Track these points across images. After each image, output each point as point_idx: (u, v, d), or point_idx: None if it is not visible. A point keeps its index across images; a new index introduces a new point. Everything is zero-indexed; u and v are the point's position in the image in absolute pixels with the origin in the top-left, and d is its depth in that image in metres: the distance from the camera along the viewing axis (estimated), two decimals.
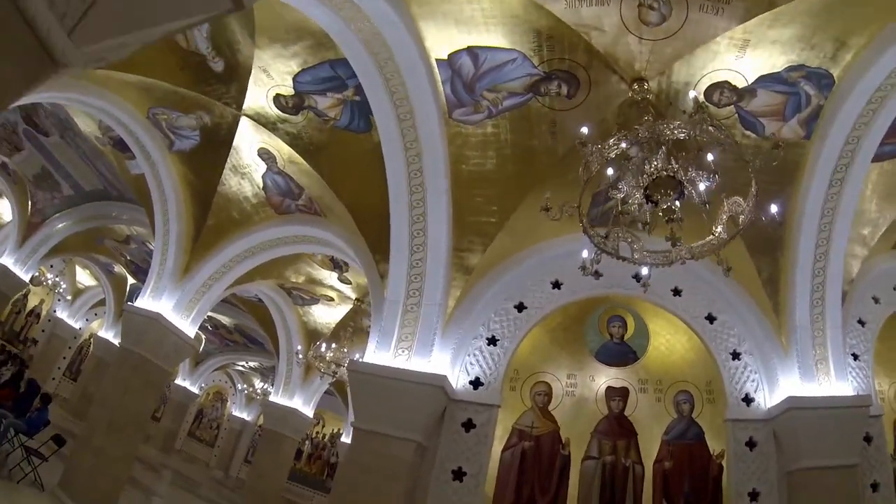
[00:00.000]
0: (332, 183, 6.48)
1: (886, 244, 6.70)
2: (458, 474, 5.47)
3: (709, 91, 4.95)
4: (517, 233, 5.97)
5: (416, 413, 5.49)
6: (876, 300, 6.70)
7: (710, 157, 3.55)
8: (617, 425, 5.80)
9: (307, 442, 19.90)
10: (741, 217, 3.63)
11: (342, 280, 9.89)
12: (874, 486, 5.67)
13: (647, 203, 3.66)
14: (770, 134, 5.17)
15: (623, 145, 3.79)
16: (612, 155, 3.70)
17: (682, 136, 3.75)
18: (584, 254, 3.96)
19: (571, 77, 4.99)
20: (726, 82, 4.89)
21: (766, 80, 4.88)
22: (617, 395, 5.90)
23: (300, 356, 11.25)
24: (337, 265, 9.37)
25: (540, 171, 5.56)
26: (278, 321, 11.69)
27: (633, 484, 5.52)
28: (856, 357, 6.31)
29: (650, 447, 5.68)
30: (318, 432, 20.41)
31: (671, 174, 3.55)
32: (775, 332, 5.80)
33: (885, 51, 4.55)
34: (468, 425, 5.69)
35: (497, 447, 5.69)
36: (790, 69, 4.80)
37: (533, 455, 5.62)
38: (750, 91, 4.95)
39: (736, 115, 5.08)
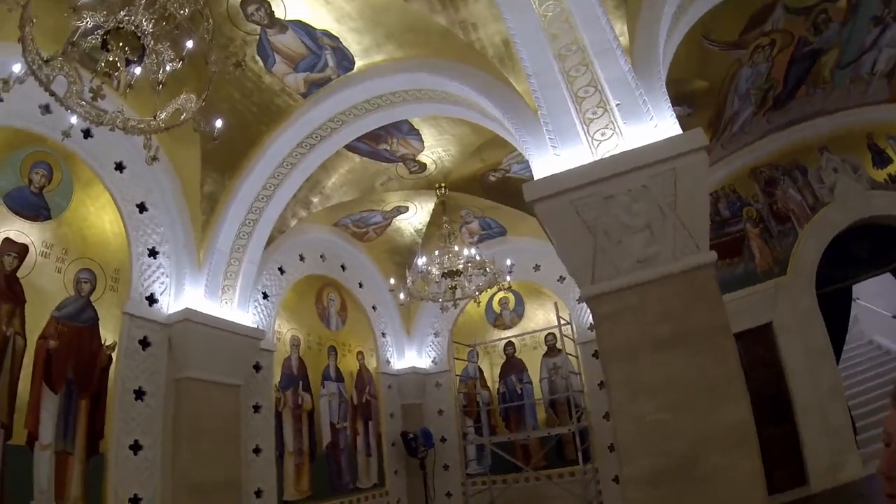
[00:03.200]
0: None
1: (330, 219, 8.99)
2: None
3: (249, 1, 5.58)
4: None
5: None
6: (302, 258, 9.01)
7: (189, 43, 4.07)
8: (6, 287, 5.41)
9: None
10: (183, 115, 4.27)
11: None
12: (256, 408, 7.59)
13: (102, 48, 3.90)
14: (276, 72, 6.24)
15: None
16: None
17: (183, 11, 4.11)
18: (17, 68, 3.85)
19: None
20: (268, 3, 5.62)
21: (301, 27, 5.89)
22: (14, 250, 5.48)
23: None
24: None
25: None
26: None
27: (13, 358, 5.28)
28: (266, 296, 8.18)
29: (38, 320, 5.56)
30: None
31: (139, 35, 3.92)
32: (196, 246, 6.92)
33: (408, 72, 6.13)
34: None
35: None
36: (326, 34, 5.97)
37: None
38: (283, 25, 5.87)
39: (258, 37, 5.91)
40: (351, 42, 6.06)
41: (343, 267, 9.95)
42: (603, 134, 4.35)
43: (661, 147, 4.03)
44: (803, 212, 9.34)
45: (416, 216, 9.60)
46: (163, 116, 4.41)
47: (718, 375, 3.80)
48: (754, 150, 9.38)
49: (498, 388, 10.45)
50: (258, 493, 7.30)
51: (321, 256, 9.50)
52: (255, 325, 7.62)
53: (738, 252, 9.40)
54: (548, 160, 4.55)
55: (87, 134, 6.16)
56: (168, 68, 4.20)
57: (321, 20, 5.80)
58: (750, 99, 8.05)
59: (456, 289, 8.04)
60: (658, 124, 4.20)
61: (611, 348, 4.13)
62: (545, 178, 4.41)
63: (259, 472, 7.39)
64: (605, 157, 4.26)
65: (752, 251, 9.38)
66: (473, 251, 8.19)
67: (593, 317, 4.30)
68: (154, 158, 4.44)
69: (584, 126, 4.38)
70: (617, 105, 4.28)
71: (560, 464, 9.52)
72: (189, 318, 6.54)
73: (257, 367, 7.70)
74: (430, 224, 9.60)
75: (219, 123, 4.49)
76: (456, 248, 8.19)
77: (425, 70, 6.00)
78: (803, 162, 9.39)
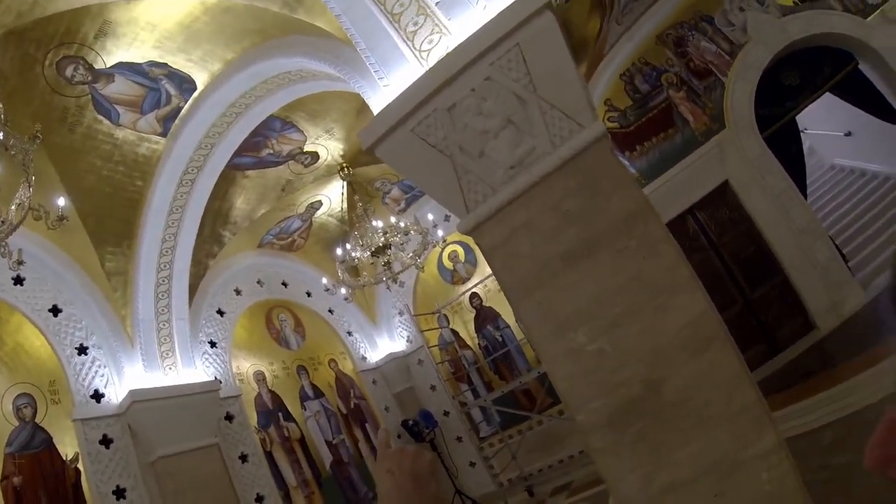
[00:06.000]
0: None
1: (251, 243, 9.17)
2: None
3: (63, 63, 5.69)
4: None
5: None
6: (238, 292, 9.15)
7: None
8: None
9: None
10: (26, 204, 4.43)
11: None
12: (243, 458, 7.91)
13: None
14: (124, 123, 6.34)
15: None
16: None
17: None
18: None
19: None
20: (82, 59, 5.71)
21: (125, 68, 5.99)
22: None
23: None
24: None
25: None
26: None
27: None
28: (213, 344, 8.42)
29: None
30: None
31: None
32: (122, 325, 7.13)
33: (246, 69, 6.30)
34: None
35: None
36: (153, 64, 6.06)
37: None
38: (107, 75, 5.95)
39: (90, 95, 6.00)
40: (181, 62, 6.15)
41: (284, 284, 10.21)
42: (430, 41, 3.94)
43: (493, 27, 3.52)
44: (722, 60, 9.62)
45: (333, 206, 9.87)
46: (10, 218, 4.59)
47: (655, 270, 3.29)
48: (653, 16, 9.55)
49: (479, 344, 10.85)
50: None
51: (258, 282, 9.75)
52: (211, 378, 7.90)
53: (669, 122, 9.65)
54: (381, 96, 4.20)
55: None
56: None
57: (142, 53, 5.90)
58: None
59: (390, 264, 8.31)
60: (487, 5, 3.77)
61: (513, 283, 3.61)
62: (375, 117, 3.95)
63: None
64: (432, 67, 3.76)
65: (684, 116, 9.62)
66: (392, 219, 8.47)
67: (482, 252, 3.77)
68: (19, 262, 4.64)
69: (408, 42, 4.00)
70: (437, 4, 3.89)
71: None
72: (137, 399, 6.78)
73: (229, 417, 8.01)
74: (350, 208, 9.88)
75: (61, 202, 4.72)
76: (374, 223, 8.44)
77: (259, 59, 6.14)
78: (706, 11, 9.60)
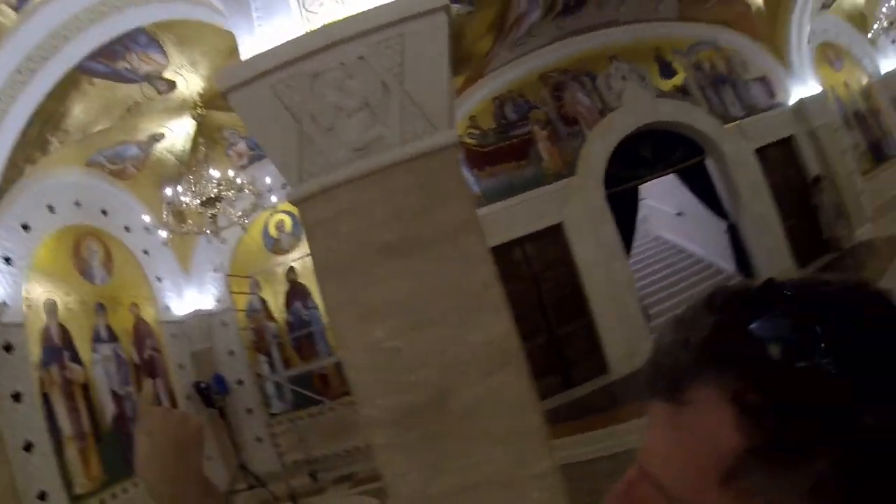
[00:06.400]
0: None
1: (80, 158, 8.34)
2: None
3: None
4: None
5: None
6: (51, 209, 8.24)
7: None
8: None
9: None
10: None
11: None
12: (16, 396, 6.97)
13: None
14: None
15: None
16: None
17: None
18: None
19: None
20: None
21: None
22: None
23: None
24: None
25: None
26: None
27: None
28: (8, 261, 7.42)
29: None
30: None
31: None
32: None
33: None
34: None
35: None
36: None
37: None
38: None
39: None
40: None
41: (104, 212, 9.30)
42: (321, 4, 3.72)
43: (385, 9, 3.45)
44: (592, 115, 10.48)
45: (176, 143, 9.30)
46: None
47: (469, 283, 3.38)
48: (543, 55, 10.20)
49: (286, 319, 10.74)
50: (42, 497, 6.82)
51: (76, 203, 8.77)
52: (1, 300, 6.95)
53: (524, 155, 10.32)
54: (253, 41, 3.97)
55: None
56: None
57: None
58: (538, 1, 8.57)
59: (216, 217, 8.04)
60: None
61: (327, 263, 3.57)
62: (240, 62, 3.76)
63: (36, 471, 6.88)
64: (313, 29, 3.64)
65: (540, 153, 10.35)
66: (231, 173, 8.20)
67: (304, 225, 3.71)
68: None
69: None
70: None
71: None
72: None
73: (7, 348, 7.05)
74: (192, 150, 9.31)
75: None
76: (211, 172, 8.10)
77: None
78: (592, 69, 10.52)
